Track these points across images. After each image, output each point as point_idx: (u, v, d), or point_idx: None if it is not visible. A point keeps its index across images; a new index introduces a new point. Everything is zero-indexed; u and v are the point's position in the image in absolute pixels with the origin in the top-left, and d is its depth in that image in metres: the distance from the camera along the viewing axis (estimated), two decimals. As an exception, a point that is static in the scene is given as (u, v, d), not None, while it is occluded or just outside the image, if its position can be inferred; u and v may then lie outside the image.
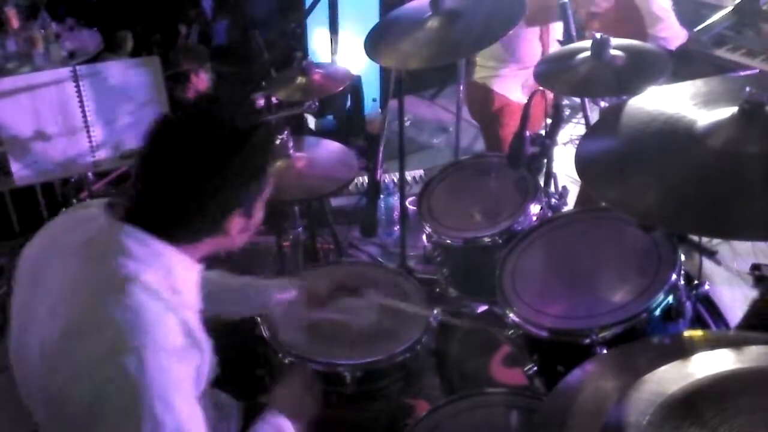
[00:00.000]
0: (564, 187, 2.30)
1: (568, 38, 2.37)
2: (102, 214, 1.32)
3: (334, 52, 4.09)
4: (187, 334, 1.27)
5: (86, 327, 1.20)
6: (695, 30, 3.21)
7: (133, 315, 1.20)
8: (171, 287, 1.29)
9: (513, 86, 2.99)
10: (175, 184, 1.26)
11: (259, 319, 1.94)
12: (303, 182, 2.36)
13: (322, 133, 4.06)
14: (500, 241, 2.06)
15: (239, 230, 1.34)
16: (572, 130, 4.34)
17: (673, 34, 3.10)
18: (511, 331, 1.77)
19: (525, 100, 2.98)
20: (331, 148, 2.57)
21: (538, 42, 2.90)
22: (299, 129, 3.15)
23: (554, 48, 2.87)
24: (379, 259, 3.25)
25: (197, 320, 1.34)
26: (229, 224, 1.32)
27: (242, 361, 1.80)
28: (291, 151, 2.39)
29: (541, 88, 2.13)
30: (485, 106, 3.04)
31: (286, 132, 2.39)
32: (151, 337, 1.19)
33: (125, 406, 1.15)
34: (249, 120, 1.32)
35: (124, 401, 1.15)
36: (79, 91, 2.69)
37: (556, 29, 2.90)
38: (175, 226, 1.29)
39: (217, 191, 1.27)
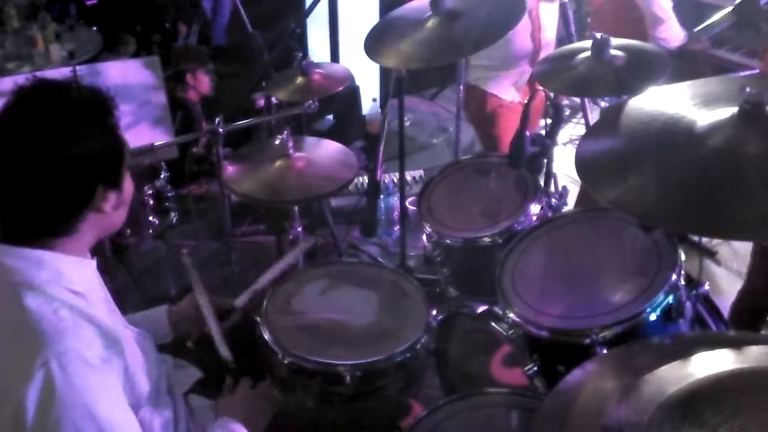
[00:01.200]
0: (564, 187, 2.30)
1: (568, 38, 2.37)
2: None
3: (334, 52, 4.09)
4: (106, 341, 1.22)
5: None
6: (695, 30, 3.22)
7: (33, 328, 1.15)
8: (69, 290, 1.23)
9: (505, 86, 2.99)
10: (12, 181, 1.19)
11: (258, 319, 1.94)
12: (303, 182, 2.36)
13: (321, 134, 4.07)
14: (500, 241, 2.06)
15: (113, 206, 1.28)
16: (572, 130, 4.34)
17: (673, 35, 3.11)
18: (511, 331, 1.77)
19: (518, 100, 3.01)
20: (330, 148, 2.57)
21: (530, 41, 2.90)
22: (299, 129, 3.15)
23: (546, 47, 2.87)
24: (379, 259, 3.25)
25: (110, 316, 1.30)
26: (99, 203, 1.25)
27: (241, 361, 1.79)
28: (291, 152, 2.39)
29: (540, 88, 2.13)
30: (480, 108, 3.04)
31: (285, 132, 2.39)
32: (64, 345, 1.15)
33: (44, 422, 1.11)
34: (80, 93, 1.24)
35: (42, 417, 1.11)
36: (79, 91, 2.69)
37: (548, 28, 2.90)
38: (37, 226, 1.23)
39: (65, 174, 1.19)
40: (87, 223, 1.26)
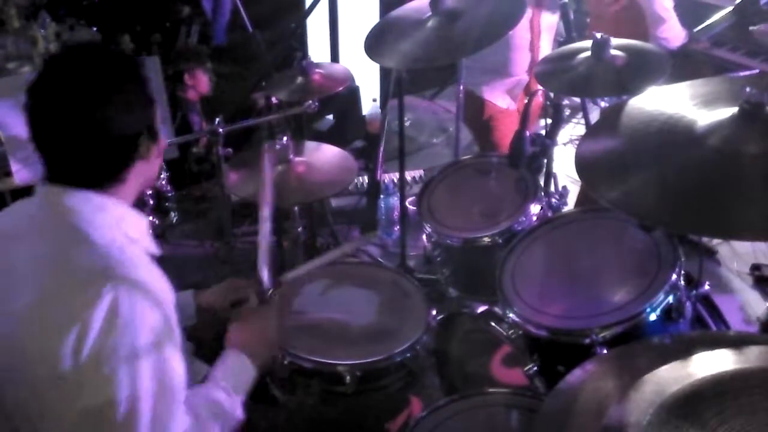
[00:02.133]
0: (564, 187, 2.30)
1: (568, 38, 2.37)
2: (37, 192, 1.36)
3: (334, 52, 4.09)
4: (161, 284, 1.32)
5: (57, 286, 1.23)
6: (695, 30, 3.22)
7: (103, 258, 1.25)
8: (126, 236, 1.33)
9: (500, 93, 3.00)
10: (69, 132, 1.28)
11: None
12: (303, 186, 2.36)
13: (321, 133, 4.07)
14: (500, 241, 2.06)
15: (155, 154, 1.38)
16: (572, 130, 4.34)
17: (674, 34, 3.11)
18: (511, 331, 1.77)
19: (513, 107, 3.01)
20: (330, 152, 2.57)
21: (528, 52, 2.91)
22: (299, 129, 3.15)
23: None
24: (379, 259, 3.25)
25: (158, 268, 1.37)
26: (143, 150, 1.34)
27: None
28: (291, 156, 2.39)
29: (540, 88, 2.13)
30: (477, 114, 3.04)
31: (286, 137, 2.39)
32: (130, 278, 1.23)
33: (103, 346, 1.18)
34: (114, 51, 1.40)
35: (103, 341, 1.18)
36: (79, 91, 2.69)
37: (545, 39, 2.91)
38: (95, 172, 1.32)
39: (120, 117, 1.29)
40: (134, 171, 1.35)
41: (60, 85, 1.29)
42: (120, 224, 1.33)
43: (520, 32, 2.84)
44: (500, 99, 3.00)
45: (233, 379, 1.48)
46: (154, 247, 1.41)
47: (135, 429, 1.21)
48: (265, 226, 1.78)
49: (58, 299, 1.22)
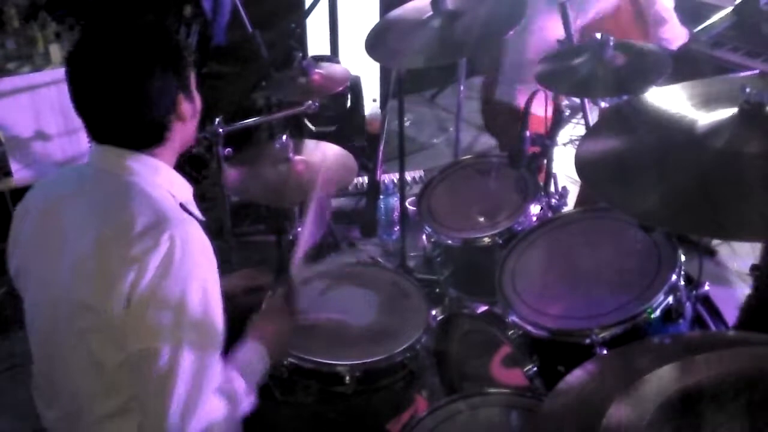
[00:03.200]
0: (564, 187, 2.30)
1: (568, 38, 2.37)
2: (92, 152, 1.43)
3: (333, 52, 4.09)
4: (207, 239, 1.37)
5: (115, 235, 1.29)
6: (695, 30, 3.21)
7: (160, 210, 1.32)
8: (175, 198, 1.40)
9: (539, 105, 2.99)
10: (113, 88, 1.34)
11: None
12: (303, 186, 2.36)
13: (322, 134, 4.06)
14: (500, 241, 2.06)
15: (191, 114, 1.45)
16: (572, 130, 4.34)
17: (675, 35, 3.10)
18: (511, 331, 1.77)
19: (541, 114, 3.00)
20: (330, 151, 2.57)
21: None
22: (299, 129, 3.15)
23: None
24: (379, 259, 3.25)
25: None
26: (180, 109, 1.41)
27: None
28: (291, 155, 2.39)
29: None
30: (508, 121, 3.01)
31: (285, 136, 2.39)
32: (186, 228, 1.31)
33: (157, 288, 1.25)
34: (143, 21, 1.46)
35: (157, 283, 1.25)
36: (79, 91, 2.69)
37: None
38: (139, 130, 1.38)
39: (159, 79, 1.36)
40: (174, 131, 1.42)
41: (99, 52, 1.35)
42: (172, 188, 1.41)
43: (543, 43, 2.82)
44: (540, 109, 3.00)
45: (249, 369, 1.49)
46: (198, 213, 1.46)
47: (175, 378, 1.25)
48: (298, 255, 1.76)
49: (116, 246, 1.28)
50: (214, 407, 1.33)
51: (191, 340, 1.27)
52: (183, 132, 1.45)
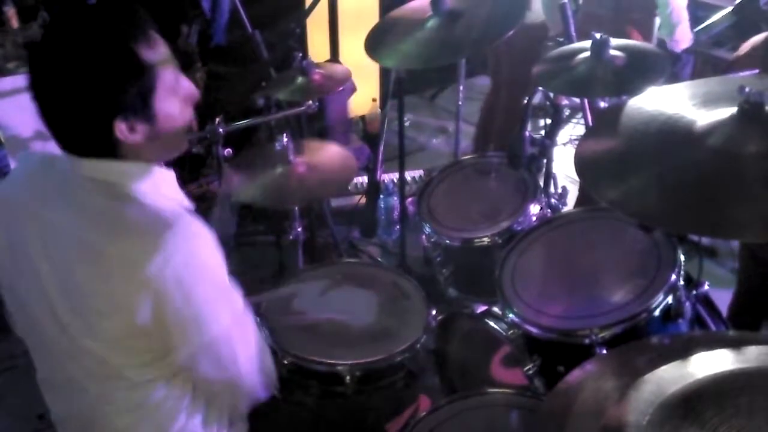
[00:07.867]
0: (564, 187, 2.30)
1: (568, 38, 2.36)
2: (62, 162, 1.35)
3: (333, 52, 4.09)
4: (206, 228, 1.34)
5: (115, 239, 1.27)
6: (695, 30, 3.22)
7: (155, 213, 1.29)
8: (164, 197, 1.37)
9: None
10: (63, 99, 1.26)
11: (257, 319, 1.94)
12: (304, 187, 2.36)
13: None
14: (500, 241, 2.06)
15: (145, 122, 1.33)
16: (572, 130, 4.35)
17: (684, 36, 3.11)
18: (511, 331, 1.77)
19: None
20: (331, 151, 2.56)
21: None
22: (299, 129, 3.14)
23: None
24: (379, 259, 3.26)
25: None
26: (126, 125, 1.29)
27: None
28: (291, 157, 2.39)
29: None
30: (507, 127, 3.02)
31: (286, 138, 2.39)
32: (186, 225, 1.28)
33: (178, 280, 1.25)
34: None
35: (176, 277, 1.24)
36: (79, 91, 2.69)
37: None
38: (90, 138, 1.30)
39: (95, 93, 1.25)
40: (146, 136, 1.34)
41: (52, 62, 1.26)
42: (159, 189, 1.37)
43: None
44: None
45: None
46: (186, 201, 1.44)
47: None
48: None
49: (119, 248, 1.26)
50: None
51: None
52: (160, 131, 1.37)
